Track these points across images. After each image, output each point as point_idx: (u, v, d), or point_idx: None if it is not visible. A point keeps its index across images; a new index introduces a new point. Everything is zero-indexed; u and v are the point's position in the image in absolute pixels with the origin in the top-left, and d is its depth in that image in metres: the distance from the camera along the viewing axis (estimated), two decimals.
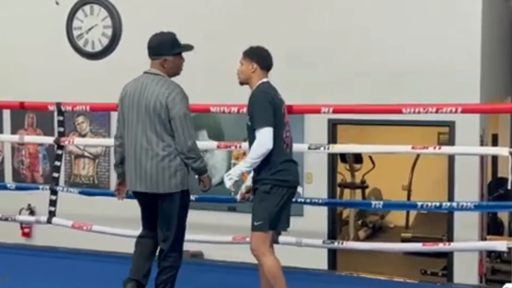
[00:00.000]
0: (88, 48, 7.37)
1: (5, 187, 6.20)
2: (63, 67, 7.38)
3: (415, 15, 6.19)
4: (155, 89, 3.84)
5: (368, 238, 9.20)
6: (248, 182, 4.05)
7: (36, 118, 7.55)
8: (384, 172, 9.26)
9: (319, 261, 6.17)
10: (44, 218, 5.74)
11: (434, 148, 4.91)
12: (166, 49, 3.92)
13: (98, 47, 7.32)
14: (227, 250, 5.49)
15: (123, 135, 4.00)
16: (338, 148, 5.70)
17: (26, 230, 7.59)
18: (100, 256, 5.65)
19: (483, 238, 6.35)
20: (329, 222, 6.51)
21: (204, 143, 6.37)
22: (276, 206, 3.78)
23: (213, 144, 5.79)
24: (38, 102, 6.04)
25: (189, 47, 4.01)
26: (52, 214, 5.68)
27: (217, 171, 6.70)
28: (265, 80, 3.91)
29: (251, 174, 3.96)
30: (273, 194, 3.78)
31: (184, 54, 4.02)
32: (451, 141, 6.13)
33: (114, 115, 6.44)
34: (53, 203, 5.69)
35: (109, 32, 7.25)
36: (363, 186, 9.63)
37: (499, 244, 4.76)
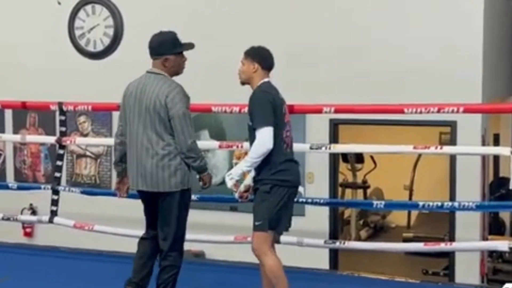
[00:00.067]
0: (90, 48, 7.38)
1: (7, 187, 6.22)
2: (65, 66, 7.39)
3: (416, 15, 6.19)
4: (155, 88, 3.86)
5: (369, 238, 9.20)
6: (247, 181, 4.04)
7: (38, 118, 7.56)
8: (386, 172, 9.25)
9: (321, 261, 6.17)
10: (46, 217, 5.75)
11: (436, 148, 4.91)
12: (167, 48, 3.93)
13: (100, 47, 7.33)
14: (228, 250, 5.49)
15: (125, 134, 4.01)
16: (339, 148, 5.70)
17: (28, 229, 7.61)
18: (101, 255, 5.65)
19: (484, 238, 6.34)
20: (331, 222, 6.51)
21: (205, 142, 6.39)
22: (276, 206, 3.78)
23: (215, 143, 5.80)
24: (40, 101, 6.04)
25: (190, 46, 4.02)
26: (54, 213, 5.69)
27: (219, 170, 6.70)
28: (266, 80, 3.92)
29: (251, 173, 3.96)
30: (273, 194, 3.79)
31: (185, 54, 4.03)
32: (452, 141, 6.13)
33: (116, 115, 6.46)
34: (55, 202, 5.70)
35: (110, 32, 7.26)
36: (364, 186, 9.63)
37: (501, 244, 4.75)
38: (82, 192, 5.79)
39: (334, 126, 6.46)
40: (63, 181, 6.51)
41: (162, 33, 4.01)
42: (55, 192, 5.70)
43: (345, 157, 8.98)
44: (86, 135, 7.37)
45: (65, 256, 5.69)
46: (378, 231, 9.69)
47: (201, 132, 6.80)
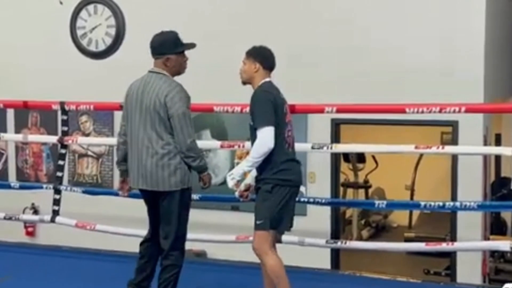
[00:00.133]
0: (92, 48, 7.38)
1: (9, 186, 6.23)
2: (67, 66, 7.39)
3: (417, 14, 6.18)
4: (155, 88, 3.87)
5: (371, 238, 9.20)
6: (248, 180, 4.05)
7: (40, 117, 7.57)
8: (387, 171, 9.25)
9: (322, 260, 6.17)
10: (47, 217, 5.75)
11: (437, 147, 4.91)
12: (168, 48, 3.94)
13: (102, 47, 7.34)
14: (230, 249, 5.49)
15: (127, 133, 4.02)
16: (341, 147, 5.70)
17: (29, 229, 7.61)
18: (103, 255, 5.66)
19: (486, 238, 6.34)
20: (332, 221, 6.52)
21: (207, 142, 6.40)
22: (277, 205, 3.79)
23: (216, 143, 5.80)
24: (42, 101, 6.05)
25: (191, 46, 4.03)
26: (55, 213, 5.70)
27: (220, 170, 6.71)
28: (267, 79, 3.92)
29: (252, 172, 3.97)
30: (275, 193, 3.79)
31: (187, 54, 4.03)
32: (454, 141, 6.13)
33: (118, 115, 6.46)
34: (56, 202, 5.70)
35: (112, 31, 7.26)
36: (366, 185, 9.63)
37: (502, 244, 4.75)
38: (84, 192, 5.79)
39: (336, 126, 6.47)
40: (65, 180, 6.51)
41: (164, 33, 4.02)
42: (57, 191, 5.71)
43: (346, 157, 8.98)
44: (88, 135, 7.38)
45: (67, 255, 5.70)
46: (380, 231, 9.69)
47: (203, 131, 6.81)
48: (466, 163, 5.93)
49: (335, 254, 6.49)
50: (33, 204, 7.51)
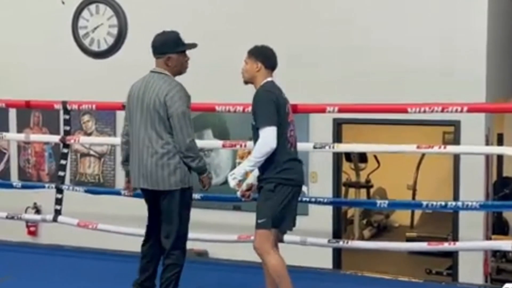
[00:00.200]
0: (94, 47, 7.39)
1: (11, 186, 6.23)
2: (69, 66, 7.40)
3: (418, 14, 6.18)
4: (156, 87, 3.89)
5: (373, 238, 9.20)
6: (250, 180, 4.05)
7: (42, 117, 7.58)
8: (389, 171, 9.25)
9: (324, 260, 6.18)
10: (50, 216, 5.76)
11: (439, 147, 4.91)
12: (170, 47, 3.96)
13: (104, 46, 7.34)
14: (232, 249, 5.49)
15: (129, 133, 4.03)
16: (343, 147, 5.70)
17: (32, 228, 7.62)
18: (105, 254, 5.66)
19: (488, 238, 6.34)
20: (334, 221, 6.51)
21: (209, 142, 6.41)
22: (280, 204, 3.79)
23: (218, 143, 5.80)
24: (44, 101, 6.06)
25: (192, 45, 4.04)
26: (57, 212, 5.70)
27: (222, 170, 6.72)
28: (269, 79, 3.92)
29: (254, 172, 3.97)
30: (277, 192, 3.79)
31: (188, 54, 4.04)
32: (456, 141, 6.12)
33: (120, 114, 6.48)
34: (58, 201, 5.71)
35: (114, 31, 7.27)
36: (368, 185, 9.62)
37: (504, 244, 4.76)
38: (86, 191, 5.80)
39: (338, 125, 6.46)
40: (67, 180, 6.52)
41: (165, 32, 4.03)
42: (59, 191, 5.72)
43: (348, 156, 8.97)
44: (90, 134, 7.39)
45: (69, 254, 5.70)
46: (382, 231, 9.69)
47: (205, 131, 6.81)
48: (468, 162, 5.93)
49: (337, 254, 6.49)
50: (35, 203, 7.52)
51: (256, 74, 3.90)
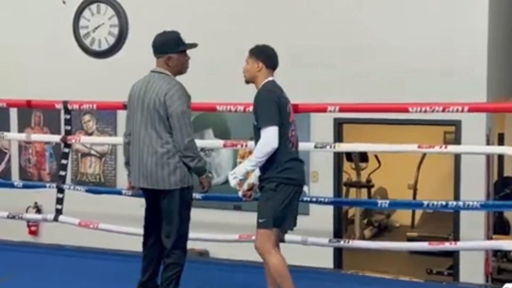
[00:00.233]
0: (95, 47, 7.39)
1: (12, 185, 6.24)
2: (70, 66, 7.40)
3: (420, 14, 6.17)
4: (156, 87, 3.89)
5: (374, 237, 9.20)
6: (251, 179, 4.05)
7: (43, 117, 7.58)
8: (390, 171, 9.25)
9: (325, 259, 6.18)
10: (51, 216, 5.76)
11: (440, 147, 4.91)
12: (170, 47, 3.96)
13: (105, 46, 7.35)
14: (232, 249, 5.49)
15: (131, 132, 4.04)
16: (344, 147, 5.70)
17: (33, 228, 7.63)
18: (106, 254, 5.66)
19: (489, 238, 6.33)
20: (335, 221, 6.51)
21: (210, 141, 6.41)
22: (281, 204, 3.79)
23: (219, 142, 5.80)
24: (45, 100, 6.06)
25: (192, 45, 4.05)
26: (59, 212, 5.71)
27: (223, 170, 6.72)
28: (270, 78, 3.92)
29: (255, 172, 3.97)
30: (279, 191, 3.79)
31: (189, 54, 4.04)
32: (457, 140, 6.12)
33: (121, 114, 6.48)
34: (59, 201, 5.71)
35: (115, 31, 7.27)
36: (369, 185, 9.62)
37: (505, 244, 4.76)
38: (87, 191, 5.80)
39: (339, 125, 6.46)
40: (68, 179, 6.53)
41: (166, 32, 4.04)
42: (60, 190, 5.72)
43: (349, 156, 8.98)
44: (91, 134, 7.39)
45: (70, 254, 5.70)
46: (382, 230, 9.69)
47: (206, 131, 6.81)
48: (469, 162, 5.93)
49: (338, 253, 6.49)
50: (36, 203, 7.52)
51: (257, 73, 3.90)
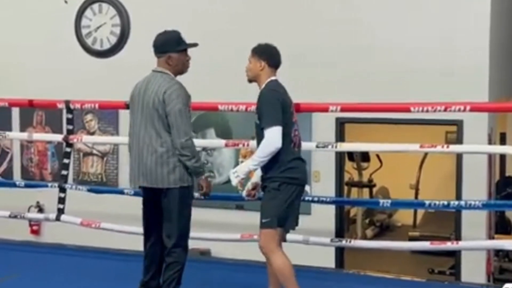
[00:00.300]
0: (97, 47, 7.39)
1: (14, 185, 6.25)
2: (72, 65, 7.40)
3: (422, 14, 6.17)
4: (155, 86, 3.90)
5: (375, 237, 9.20)
6: (255, 179, 4.05)
7: (45, 116, 7.59)
8: (392, 170, 9.25)
9: (327, 259, 6.18)
10: (52, 215, 5.77)
11: (442, 146, 4.91)
12: (171, 46, 3.97)
13: (107, 46, 7.35)
14: (234, 248, 5.50)
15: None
16: (345, 146, 5.69)
17: (34, 227, 7.63)
18: (108, 253, 5.66)
19: (491, 237, 6.33)
20: (337, 220, 6.51)
21: (212, 141, 6.42)
22: (284, 203, 3.79)
23: (221, 142, 5.80)
24: (47, 100, 6.07)
25: (193, 44, 4.05)
26: (60, 211, 5.71)
27: (225, 169, 6.72)
28: (273, 78, 3.92)
29: (258, 171, 3.97)
30: (282, 191, 3.79)
31: (190, 54, 4.04)
32: (459, 140, 6.12)
33: (122, 113, 6.49)
34: (61, 200, 5.72)
35: (117, 30, 7.28)
36: (370, 184, 9.62)
37: (507, 243, 4.76)
38: (88, 190, 5.80)
39: (340, 124, 6.46)
40: (70, 179, 6.53)
41: (166, 32, 4.05)
42: (62, 190, 5.72)
43: (351, 155, 8.97)
44: (92, 133, 7.40)
45: (71, 253, 5.71)
46: (384, 230, 9.69)
47: (207, 130, 6.82)
48: (471, 162, 5.93)
49: (340, 253, 6.49)
50: (38, 202, 7.53)
51: (260, 72, 3.90)
